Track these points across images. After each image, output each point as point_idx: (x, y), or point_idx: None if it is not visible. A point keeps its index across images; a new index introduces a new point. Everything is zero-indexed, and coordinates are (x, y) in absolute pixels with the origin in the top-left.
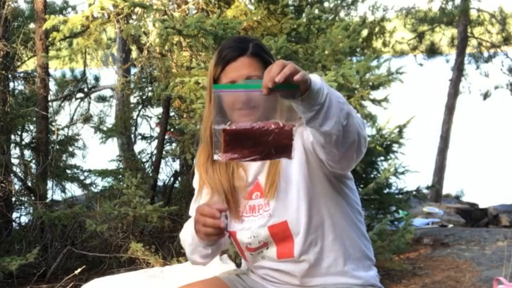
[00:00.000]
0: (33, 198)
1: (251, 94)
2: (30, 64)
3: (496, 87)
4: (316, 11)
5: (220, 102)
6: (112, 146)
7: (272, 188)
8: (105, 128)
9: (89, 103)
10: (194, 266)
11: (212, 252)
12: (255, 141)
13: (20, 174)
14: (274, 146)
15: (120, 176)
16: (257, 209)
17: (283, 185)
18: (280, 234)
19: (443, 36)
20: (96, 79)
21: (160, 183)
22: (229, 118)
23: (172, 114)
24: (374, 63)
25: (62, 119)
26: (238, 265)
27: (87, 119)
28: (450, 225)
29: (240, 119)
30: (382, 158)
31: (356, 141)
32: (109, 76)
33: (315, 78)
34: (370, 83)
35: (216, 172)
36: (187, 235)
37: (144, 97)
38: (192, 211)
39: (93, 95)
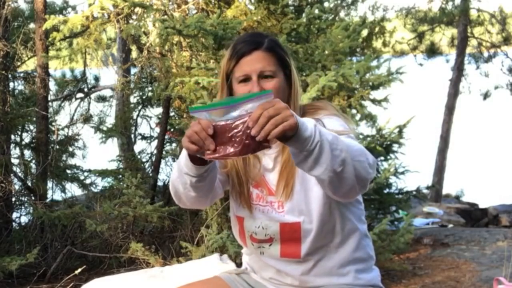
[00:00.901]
0: (33, 198)
1: (265, 87)
2: (30, 64)
3: (496, 87)
4: (316, 11)
5: None
6: (112, 146)
7: (288, 189)
8: (105, 128)
9: (89, 103)
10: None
11: (196, 187)
12: (232, 134)
13: (20, 174)
14: (251, 137)
15: (120, 176)
16: (264, 200)
17: (298, 187)
18: (290, 234)
19: (443, 36)
20: (96, 79)
21: (160, 183)
22: None
23: (172, 114)
24: (374, 63)
25: (62, 119)
26: (238, 265)
27: (87, 119)
28: (450, 225)
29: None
30: (382, 158)
31: (354, 186)
32: (109, 76)
33: (308, 124)
34: (370, 83)
35: (233, 162)
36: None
37: (144, 97)
38: None
39: (93, 95)
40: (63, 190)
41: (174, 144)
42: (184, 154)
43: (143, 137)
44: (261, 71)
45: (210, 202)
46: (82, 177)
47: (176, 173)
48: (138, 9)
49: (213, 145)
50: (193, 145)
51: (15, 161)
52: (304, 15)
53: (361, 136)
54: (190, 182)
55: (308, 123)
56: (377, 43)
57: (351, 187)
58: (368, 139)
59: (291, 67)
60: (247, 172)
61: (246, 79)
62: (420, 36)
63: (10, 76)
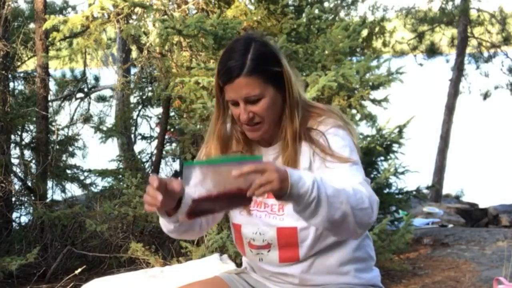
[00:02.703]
0: (33, 198)
1: (253, 112)
2: (30, 64)
3: (496, 87)
4: (316, 11)
5: (188, 177)
6: (112, 146)
7: None
8: (105, 128)
9: (89, 103)
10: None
11: (175, 228)
12: (215, 201)
13: (20, 174)
14: (232, 204)
15: (120, 176)
16: (263, 206)
17: None
18: (287, 239)
19: (443, 36)
20: (96, 79)
21: None
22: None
23: (172, 114)
24: (374, 63)
25: (62, 119)
26: (238, 265)
27: (87, 119)
28: (450, 225)
29: (247, 133)
30: (382, 158)
31: (355, 231)
32: (109, 76)
33: (306, 179)
34: (370, 83)
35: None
36: None
37: (144, 97)
38: None
39: (93, 95)
40: (63, 190)
41: (174, 144)
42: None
43: (143, 137)
44: (246, 98)
45: (203, 231)
46: (82, 177)
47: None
48: (138, 9)
49: (160, 196)
50: (150, 206)
51: (15, 161)
52: (304, 15)
53: (361, 136)
54: (174, 227)
55: (306, 178)
56: (377, 43)
57: (351, 233)
58: (368, 139)
59: (284, 72)
60: None
61: (234, 103)
62: (420, 36)
63: (10, 76)
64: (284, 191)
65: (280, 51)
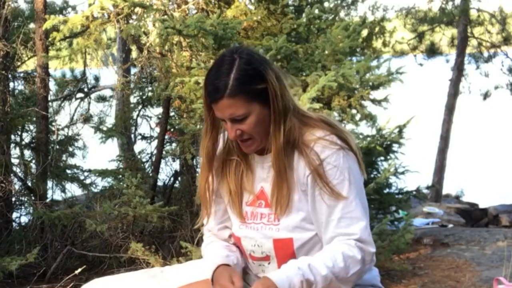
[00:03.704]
0: (33, 198)
1: (241, 130)
2: (30, 64)
3: (496, 87)
4: (316, 11)
5: None
6: (112, 146)
7: (285, 205)
8: (105, 128)
9: (89, 103)
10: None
11: None
12: None
13: (20, 174)
14: None
15: (120, 176)
16: (259, 217)
17: (295, 198)
18: (284, 250)
19: (443, 36)
20: (96, 79)
21: (160, 183)
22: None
23: (172, 114)
24: (374, 63)
25: (62, 119)
26: None
27: (87, 119)
28: (450, 225)
29: (242, 148)
30: (382, 158)
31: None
32: (109, 76)
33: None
34: (370, 83)
35: (225, 176)
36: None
37: (144, 97)
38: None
39: (93, 95)
40: (63, 190)
41: (174, 144)
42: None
43: (143, 137)
44: (230, 117)
45: None
46: (82, 177)
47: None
48: (138, 9)
49: None
50: None
51: (15, 161)
52: (304, 15)
53: (361, 136)
54: None
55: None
56: (377, 43)
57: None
58: (368, 139)
59: (268, 86)
60: (242, 191)
61: (222, 120)
62: (420, 36)
63: (10, 76)
64: None
65: (267, 63)
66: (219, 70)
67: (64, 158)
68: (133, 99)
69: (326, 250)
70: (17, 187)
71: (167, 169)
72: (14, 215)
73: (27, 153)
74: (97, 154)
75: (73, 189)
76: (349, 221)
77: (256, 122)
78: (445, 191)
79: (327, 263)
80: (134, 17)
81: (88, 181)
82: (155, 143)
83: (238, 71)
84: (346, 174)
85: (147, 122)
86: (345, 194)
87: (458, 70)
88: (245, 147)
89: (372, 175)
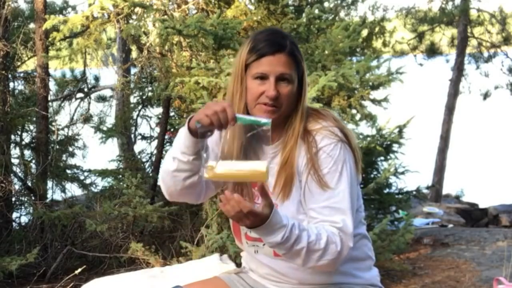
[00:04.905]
0: (33, 198)
1: (279, 92)
2: (30, 64)
3: (496, 87)
4: (316, 11)
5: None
6: (112, 146)
7: (285, 194)
8: (105, 128)
9: (89, 103)
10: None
11: (189, 170)
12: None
13: (20, 174)
14: None
15: (120, 176)
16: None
17: (292, 192)
18: None
19: (443, 36)
20: (96, 79)
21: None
22: (248, 108)
23: (172, 114)
24: (374, 63)
25: (62, 119)
26: (238, 265)
27: (87, 119)
28: (450, 225)
29: (260, 113)
30: (382, 158)
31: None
32: (109, 76)
33: (283, 225)
34: (370, 83)
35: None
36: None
37: (144, 97)
38: None
39: (93, 95)
40: (63, 190)
41: None
42: (183, 130)
43: (143, 137)
44: (280, 74)
45: (201, 197)
46: (82, 177)
47: (171, 154)
48: (138, 9)
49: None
50: (207, 118)
51: (15, 161)
52: (304, 15)
53: (361, 136)
54: (186, 161)
55: (283, 223)
56: (377, 43)
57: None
58: (368, 139)
59: (304, 71)
60: None
61: (263, 77)
62: (420, 36)
63: (10, 76)
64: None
65: None
66: (274, 33)
67: (64, 158)
68: (133, 99)
69: (317, 227)
70: (17, 187)
71: None
72: (14, 215)
73: (27, 153)
74: (97, 154)
75: (73, 189)
76: (333, 211)
77: (292, 92)
78: (445, 191)
79: (311, 237)
80: (134, 17)
81: (88, 181)
82: (155, 143)
83: (291, 40)
84: (339, 166)
85: (147, 122)
86: (333, 185)
87: (458, 70)
88: (268, 112)
89: (372, 175)
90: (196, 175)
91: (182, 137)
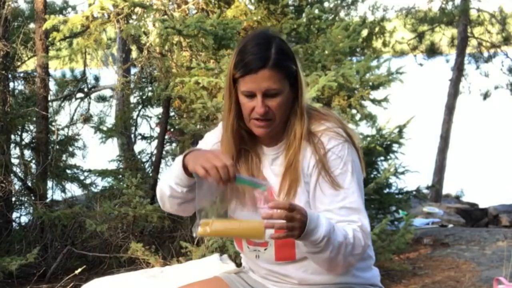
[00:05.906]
0: (33, 198)
1: (269, 106)
2: (30, 64)
3: (496, 87)
4: (316, 11)
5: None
6: (112, 146)
7: (290, 196)
8: (105, 128)
9: (89, 103)
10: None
11: (181, 197)
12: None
13: (20, 174)
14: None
15: (120, 176)
16: (262, 202)
17: (299, 192)
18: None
19: (443, 36)
20: (96, 79)
21: None
22: (245, 123)
23: (172, 114)
24: (374, 63)
25: (62, 119)
26: (238, 265)
27: (87, 119)
28: (450, 225)
29: (255, 129)
30: (382, 158)
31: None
32: (109, 76)
33: (319, 230)
34: (370, 83)
35: (236, 163)
36: (171, 171)
37: (144, 97)
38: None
39: (93, 95)
40: (63, 190)
41: (174, 144)
42: (178, 165)
43: (143, 137)
44: (266, 90)
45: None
46: (82, 177)
47: (167, 180)
48: (138, 9)
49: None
50: (205, 173)
51: (15, 161)
52: (304, 15)
53: (361, 136)
54: (180, 192)
55: (320, 229)
56: (377, 43)
57: (339, 269)
58: (368, 139)
59: (297, 71)
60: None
61: (250, 95)
62: (420, 36)
63: (10, 76)
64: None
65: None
66: (258, 44)
67: (64, 158)
68: (133, 99)
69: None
70: (17, 187)
71: (167, 169)
72: (14, 215)
73: (27, 153)
74: (97, 154)
75: (73, 189)
76: (350, 211)
77: (283, 102)
78: (445, 191)
79: (341, 230)
80: (134, 17)
81: (88, 181)
82: (155, 143)
83: (277, 47)
84: (349, 166)
85: (147, 122)
86: (346, 186)
87: (458, 70)
88: (262, 127)
89: (372, 175)
90: (191, 202)
91: (177, 169)
